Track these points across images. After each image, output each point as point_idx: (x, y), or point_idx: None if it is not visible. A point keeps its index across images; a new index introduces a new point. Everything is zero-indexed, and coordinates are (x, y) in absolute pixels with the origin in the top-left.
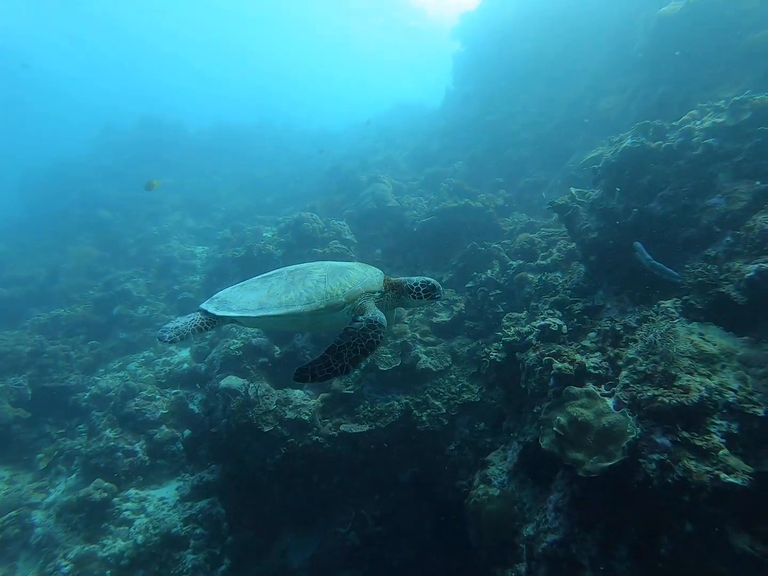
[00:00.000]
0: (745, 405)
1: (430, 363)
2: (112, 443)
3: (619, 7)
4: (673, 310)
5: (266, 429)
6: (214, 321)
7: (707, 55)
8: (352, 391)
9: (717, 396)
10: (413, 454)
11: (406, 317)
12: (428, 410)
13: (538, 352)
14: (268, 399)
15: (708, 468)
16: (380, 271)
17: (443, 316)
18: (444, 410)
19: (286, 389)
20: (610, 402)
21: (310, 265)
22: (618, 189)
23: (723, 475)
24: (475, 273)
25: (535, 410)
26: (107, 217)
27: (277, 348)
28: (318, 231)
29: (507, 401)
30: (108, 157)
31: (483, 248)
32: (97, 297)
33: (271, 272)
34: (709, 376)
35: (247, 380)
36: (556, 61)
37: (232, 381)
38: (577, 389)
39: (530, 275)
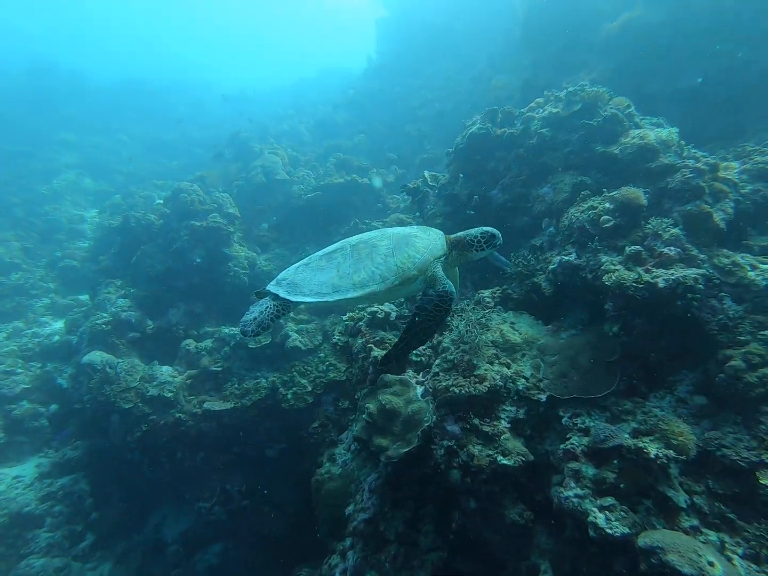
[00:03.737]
0: (532, 392)
1: (299, 341)
2: None
3: None
4: (490, 300)
5: (126, 406)
6: (288, 305)
7: (571, 41)
8: (220, 368)
9: (511, 384)
10: (280, 431)
11: None
12: (294, 388)
13: (363, 339)
14: (131, 375)
15: (489, 452)
16: (440, 231)
17: None
18: (309, 388)
19: (153, 365)
20: (419, 390)
21: (373, 237)
22: (461, 175)
23: (500, 458)
24: None
25: (356, 396)
26: None
27: (150, 322)
28: (197, 203)
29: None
30: None
31: (364, 226)
32: None
33: (332, 247)
34: (508, 365)
35: (113, 356)
36: (464, 37)
37: (93, 357)
38: (391, 377)
39: None
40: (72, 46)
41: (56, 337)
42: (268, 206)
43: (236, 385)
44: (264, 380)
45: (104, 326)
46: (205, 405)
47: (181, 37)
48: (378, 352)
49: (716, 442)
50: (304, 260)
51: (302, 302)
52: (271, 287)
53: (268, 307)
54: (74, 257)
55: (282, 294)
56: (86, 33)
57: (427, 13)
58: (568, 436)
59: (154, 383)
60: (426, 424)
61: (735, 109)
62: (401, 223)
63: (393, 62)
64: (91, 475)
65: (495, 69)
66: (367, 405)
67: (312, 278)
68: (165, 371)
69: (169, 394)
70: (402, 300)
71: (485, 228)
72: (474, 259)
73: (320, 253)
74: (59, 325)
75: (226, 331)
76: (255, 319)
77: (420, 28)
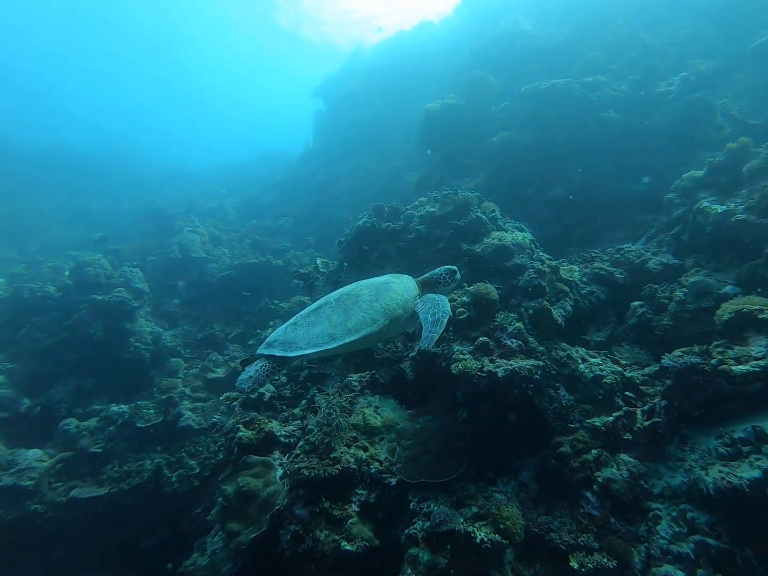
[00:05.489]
0: (384, 475)
1: (193, 420)
2: None
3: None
4: (357, 384)
5: None
6: (282, 363)
7: (460, 149)
8: (101, 450)
9: (365, 467)
10: (161, 518)
11: (182, 371)
12: (181, 470)
13: (234, 419)
14: None
15: (335, 537)
16: (409, 276)
17: (219, 372)
18: (197, 470)
19: (15, 450)
20: (279, 472)
21: (352, 289)
22: (346, 264)
23: (344, 543)
24: (259, 330)
25: (220, 478)
26: None
27: (26, 401)
28: (102, 276)
29: None
30: None
31: (273, 306)
32: None
33: (316, 304)
34: (365, 449)
35: None
36: (386, 135)
37: None
38: (255, 458)
39: None
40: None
41: None
42: (181, 282)
43: (116, 468)
44: (149, 462)
45: None
46: (72, 493)
47: (133, 108)
48: (244, 433)
49: (546, 526)
50: (291, 321)
51: (301, 356)
52: (263, 351)
53: (263, 365)
54: None
55: (278, 353)
56: (19, 100)
57: (357, 110)
58: (414, 520)
59: (12, 471)
60: (276, 508)
61: (593, 219)
62: (302, 304)
63: (324, 151)
64: None
65: (409, 166)
66: (224, 487)
67: (305, 333)
68: (31, 456)
69: (29, 483)
70: (285, 380)
71: (446, 266)
72: (444, 294)
73: (305, 312)
74: None
75: (115, 408)
76: (251, 377)
77: (350, 124)
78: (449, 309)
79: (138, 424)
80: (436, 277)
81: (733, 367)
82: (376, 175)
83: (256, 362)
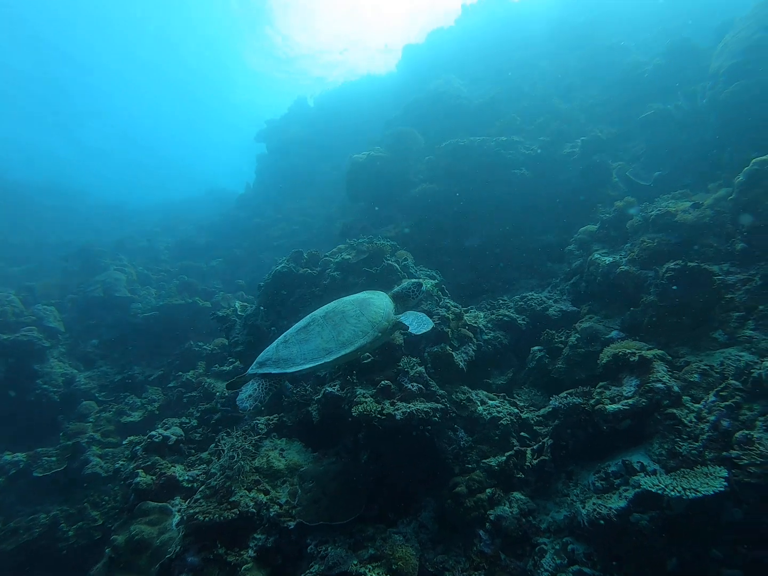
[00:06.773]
0: (283, 518)
1: (100, 467)
2: None
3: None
4: (263, 426)
5: None
6: (278, 380)
7: (384, 198)
8: None
9: (265, 511)
10: None
11: (93, 415)
12: (81, 522)
13: (135, 464)
14: None
15: None
16: (381, 291)
17: (135, 416)
18: (101, 522)
19: None
20: (177, 518)
21: (336, 306)
22: (262, 307)
23: None
24: (180, 372)
25: (112, 527)
26: None
27: None
28: (10, 314)
29: None
30: None
31: (197, 348)
32: None
33: (303, 322)
34: (266, 492)
35: None
36: (324, 179)
37: None
38: (152, 504)
39: (209, 380)
40: None
41: None
42: (102, 322)
43: (1, 525)
44: (44, 516)
45: None
46: None
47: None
48: (143, 478)
49: (441, 565)
50: (280, 339)
51: (298, 371)
52: (257, 370)
53: (260, 383)
54: None
55: (274, 371)
56: None
57: (297, 157)
58: (311, 564)
59: None
60: (166, 556)
61: (506, 267)
62: (223, 347)
63: (263, 194)
64: None
65: (343, 212)
66: (114, 537)
67: (299, 350)
68: None
69: None
70: (195, 423)
71: (413, 280)
72: (411, 306)
73: (293, 330)
74: None
75: (8, 457)
76: (250, 395)
77: (290, 169)
78: (430, 320)
79: (35, 474)
80: (405, 290)
81: (607, 406)
82: (312, 220)
83: (250, 382)
